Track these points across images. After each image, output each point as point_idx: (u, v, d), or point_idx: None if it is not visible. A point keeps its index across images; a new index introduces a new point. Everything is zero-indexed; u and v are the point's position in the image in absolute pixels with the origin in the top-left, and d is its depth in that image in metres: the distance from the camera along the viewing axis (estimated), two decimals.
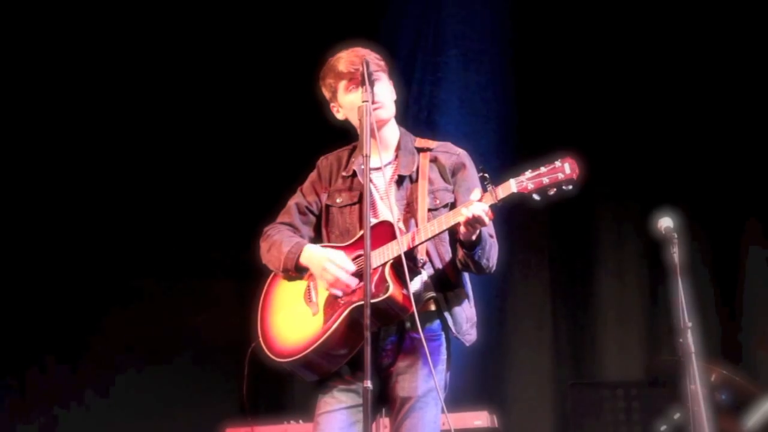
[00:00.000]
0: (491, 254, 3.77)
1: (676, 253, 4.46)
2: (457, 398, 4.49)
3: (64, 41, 6.80)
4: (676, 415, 5.14)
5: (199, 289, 6.72)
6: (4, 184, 6.74)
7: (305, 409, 5.93)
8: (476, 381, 6.29)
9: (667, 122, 6.54)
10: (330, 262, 3.72)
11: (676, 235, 4.49)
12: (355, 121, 3.88)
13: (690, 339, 4.36)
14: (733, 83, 6.44)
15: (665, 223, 4.53)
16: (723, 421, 4.89)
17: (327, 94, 3.98)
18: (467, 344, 3.88)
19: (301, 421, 5.34)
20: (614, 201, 6.66)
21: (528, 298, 6.68)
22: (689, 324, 4.37)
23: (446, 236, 3.81)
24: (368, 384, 3.38)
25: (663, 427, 5.26)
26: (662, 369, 5.44)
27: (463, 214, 3.57)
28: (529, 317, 6.64)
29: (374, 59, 3.89)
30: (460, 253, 3.76)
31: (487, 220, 3.56)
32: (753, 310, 6.29)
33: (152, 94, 6.82)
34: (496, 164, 6.14)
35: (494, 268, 3.83)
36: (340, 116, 3.98)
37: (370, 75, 3.70)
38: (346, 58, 3.86)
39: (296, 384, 6.04)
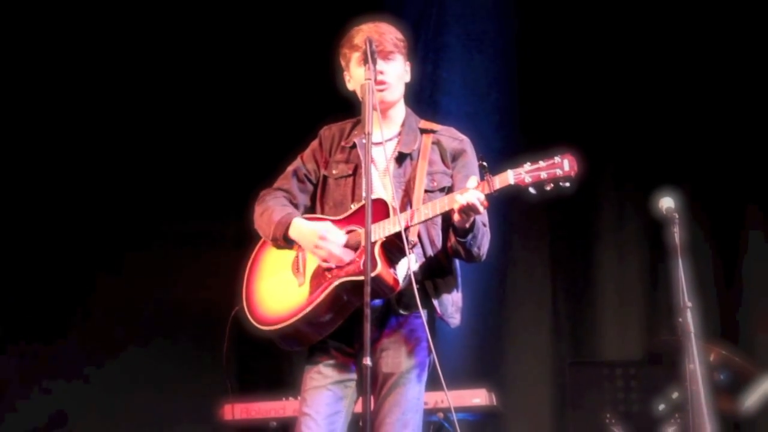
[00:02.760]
0: (482, 243, 3.78)
1: (676, 233, 4.46)
2: (456, 376, 4.52)
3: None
4: (675, 395, 5.15)
5: (200, 262, 6.72)
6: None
7: None
8: (475, 359, 6.32)
9: (669, 101, 6.53)
10: (321, 239, 3.73)
11: (677, 215, 4.49)
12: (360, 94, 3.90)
13: (689, 319, 4.37)
14: (734, 67, 6.43)
15: (666, 203, 4.53)
16: (721, 401, 4.91)
17: (342, 63, 3.99)
18: (452, 327, 3.87)
19: (299, 398, 5.36)
20: (615, 181, 6.66)
21: (528, 277, 6.68)
22: (689, 304, 4.38)
23: (438, 220, 3.82)
24: (367, 361, 3.39)
25: (661, 406, 5.27)
26: (661, 348, 5.44)
27: (457, 200, 3.56)
28: (529, 296, 6.66)
29: (393, 38, 3.90)
30: (452, 239, 3.76)
31: (481, 209, 3.56)
32: (752, 291, 6.30)
33: (151, 63, 6.81)
34: (498, 145, 6.23)
35: (484, 257, 3.83)
36: (350, 86, 3.99)
37: (373, 53, 3.70)
38: (365, 33, 3.85)
39: (294, 360, 6.05)
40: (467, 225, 3.65)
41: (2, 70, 6.72)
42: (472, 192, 3.55)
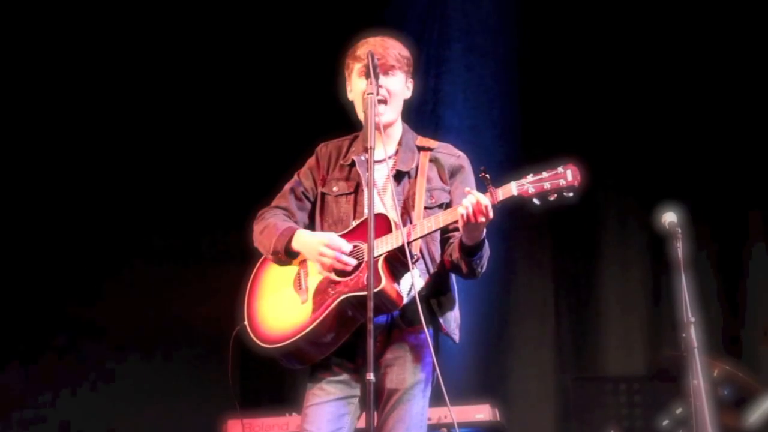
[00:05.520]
0: (485, 261, 3.76)
1: (679, 248, 4.45)
2: (460, 392, 4.50)
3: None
4: (678, 410, 5.14)
5: (205, 277, 6.72)
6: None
7: None
8: (479, 374, 6.31)
9: (671, 117, 6.53)
10: (325, 246, 3.71)
11: (679, 230, 4.48)
12: (358, 107, 3.90)
13: (693, 334, 4.36)
14: (735, 79, 6.43)
15: (669, 217, 4.52)
16: (725, 417, 4.90)
17: (345, 73, 3.97)
18: (456, 341, 3.85)
19: (302, 414, 5.34)
20: (618, 195, 6.66)
21: (531, 292, 6.68)
22: (692, 319, 4.37)
23: (437, 235, 3.81)
24: (371, 376, 3.39)
25: (665, 422, 5.26)
26: (665, 364, 5.43)
27: (459, 212, 3.54)
28: (532, 311, 6.65)
29: (396, 54, 3.88)
30: (455, 255, 3.73)
31: (491, 212, 3.52)
32: (756, 306, 6.29)
33: (150, 76, 6.82)
34: (500, 158, 6.23)
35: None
36: (350, 97, 3.97)
37: (375, 68, 3.69)
38: (369, 45, 3.84)
39: (298, 376, 6.05)
40: (474, 243, 3.62)
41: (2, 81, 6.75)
42: (472, 196, 3.52)
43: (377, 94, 3.71)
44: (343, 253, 3.70)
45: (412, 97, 4.00)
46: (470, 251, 3.66)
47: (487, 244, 3.71)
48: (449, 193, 3.87)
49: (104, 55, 6.83)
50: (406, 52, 3.94)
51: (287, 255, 3.83)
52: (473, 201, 3.51)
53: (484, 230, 3.63)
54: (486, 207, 3.52)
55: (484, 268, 3.77)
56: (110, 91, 6.84)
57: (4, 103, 6.76)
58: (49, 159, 6.81)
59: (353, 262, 3.70)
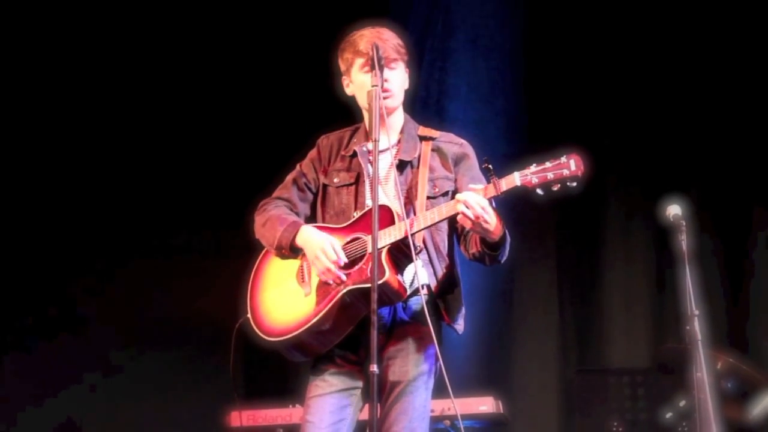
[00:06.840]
0: (508, 248, 3.74)
1: (684, 241, 4.46)
2: (463, 384, 4.50)
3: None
4: (682, 403, 5.14)
5: (207, 270, 6.73)
6: None
7: None
8: (482, 367, 6.31)
9: (675, 109, 6.53)
10: (323, 253, 3.69)
11: (684, 223, 4.49)
12: (362, 101, 3.90)
13: (697, 326, 4.36)
14: (741, 72, 6.42)
15: (673, 210, 4.53)
16: (728, 409, 4.90)
17: (342, 66, 3.96)
18: (459, 333, 3.86)
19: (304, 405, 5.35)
20: (622, 188, 6.66)
21: (535, 284, 6.68)
22: (696, 312, 4.37)
23: (443, 225, 3.80)
24: (374, 368, 3.39)
25: (668, 415, 5.26)
26: (669, 356, 5.43)
27: (458, 209, 3.53)
28: (536, 303, 6.65)
29: (395, 45, 3.87)
30: (474, 249, 3.73)
31: (486, 216, 3.50)
32: (761, 298, 6.29)
33: (148, 72, 6.82)
34: (505, 150, 6.24)
35: None
36: (348, 91, 3.97)
37: (380, 59, 3.69)
38: (368, 38, 3.83)
39: (301, 368, 6.06)
40: (498, 237, 3.61)
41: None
42: (460, 204, 3.50)
43: (382, 87, 3.70)
44: (337, 264, 3.68)
45: (415, 85, 3.99)
46: (494, 246, 3.66)
47: (507, 233, 3.69)
48: (455, 181, 3.87)
49: (103, 49, 6.82)
50: (401, 42, 3.93)
51: (291, 251, 3.83)
52: (464, 209, 3.50)
53: (501, 224, 3.61)
54: (483, 208, 3.50)
55: (507, 255, 3.76)
56: (110, 84, 6.84)
57: (8, 100, 6.76)
58: (50, 156, 6.82)
59: (343, 277, 3.68)
